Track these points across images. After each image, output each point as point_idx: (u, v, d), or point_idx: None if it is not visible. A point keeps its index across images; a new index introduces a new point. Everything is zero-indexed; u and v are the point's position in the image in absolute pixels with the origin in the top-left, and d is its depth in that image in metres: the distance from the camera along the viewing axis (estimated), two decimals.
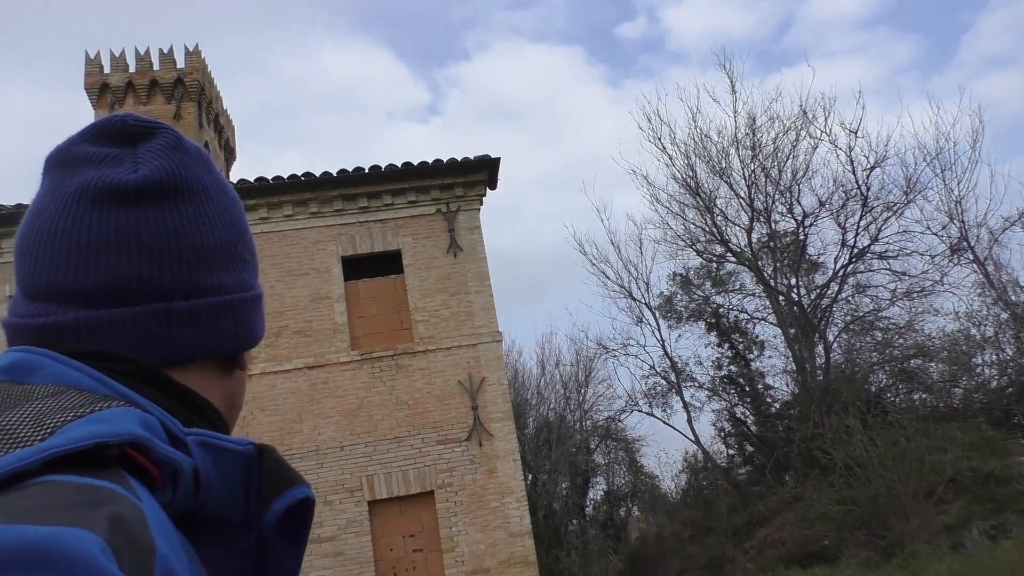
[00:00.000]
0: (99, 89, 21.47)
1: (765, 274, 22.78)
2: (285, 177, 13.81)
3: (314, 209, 13.91)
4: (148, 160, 0.74)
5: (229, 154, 26.33)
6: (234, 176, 26.13)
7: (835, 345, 22.34)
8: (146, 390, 0.66)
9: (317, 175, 13.85)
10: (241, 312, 0.78)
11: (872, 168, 21.30)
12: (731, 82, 23.16)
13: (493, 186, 14.63)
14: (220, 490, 0.65)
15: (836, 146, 22.60)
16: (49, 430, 0.55)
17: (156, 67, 22.14)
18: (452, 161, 14.09)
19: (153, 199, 0.72)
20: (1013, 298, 19.38)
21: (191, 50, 22.52)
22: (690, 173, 23.20)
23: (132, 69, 21.91)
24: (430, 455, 12.87)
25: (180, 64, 22.28)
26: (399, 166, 13.98)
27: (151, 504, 0.55)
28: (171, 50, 22.35)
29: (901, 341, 21.77)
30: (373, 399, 13.05)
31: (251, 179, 13.88)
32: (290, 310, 13.42)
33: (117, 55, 22.00)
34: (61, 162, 0.74)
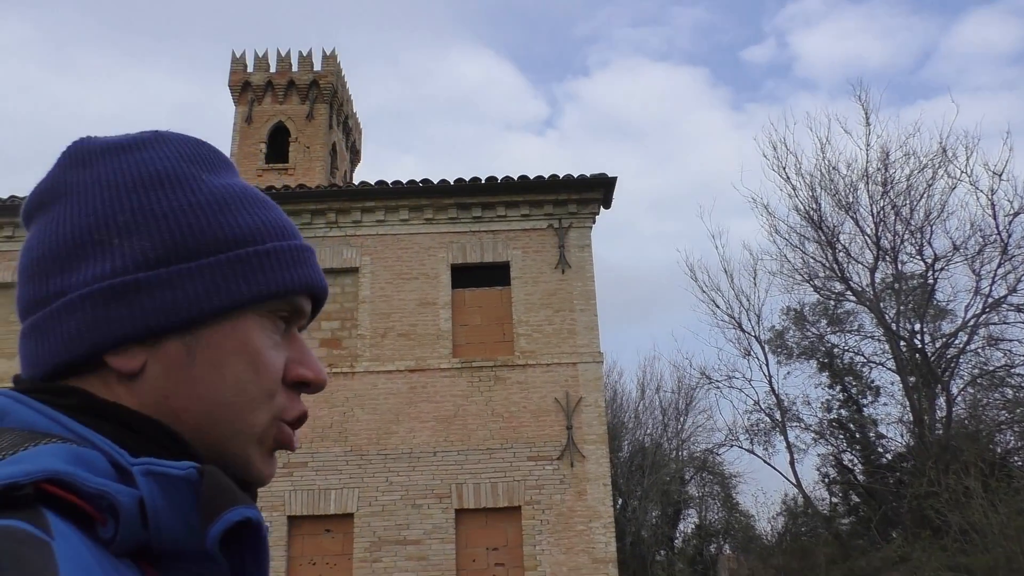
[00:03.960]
0: (241, 87, 22.71)
1: (887, 317, 21.63)
2: (404, 182, 14.14)
3: (429, 215, 14.18)
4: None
5: (355, 156, 27.28)
6: (356, 178, 27.07)
7: (959, 399, 20.97)
8: (96, 423, 0.64)
9: (435, 182, 14.11)
10: (77, 312, 0.69)
11: (1016, 214, 19.94)
12: (866, 113, 22.19)
13: (607, 205, 14.51)
14: (171, 520, 0.61)
15: (977, 188, 21.25)
16: None
17: (295, 68, 23.24)
18: (568, 177, 14.06)
19: (29, 221, 0.76)
20: None
21: (328, 54, 23.50)
22: (814, 206, 22.36)
23: (273, 69, 23.06)
24: (520, 470, 12.83)
25: (317, 67, 23.29)
26: (515, 179, 14.07)
27: (68, 539, 0.53)
28: (310, 53, 23.40)
29: None
30: (469, 408, 13.13)
31: (371, 182, 14.31)
32: (397, 312, 13.70)
33: (260, 55, 23.21)
34: None
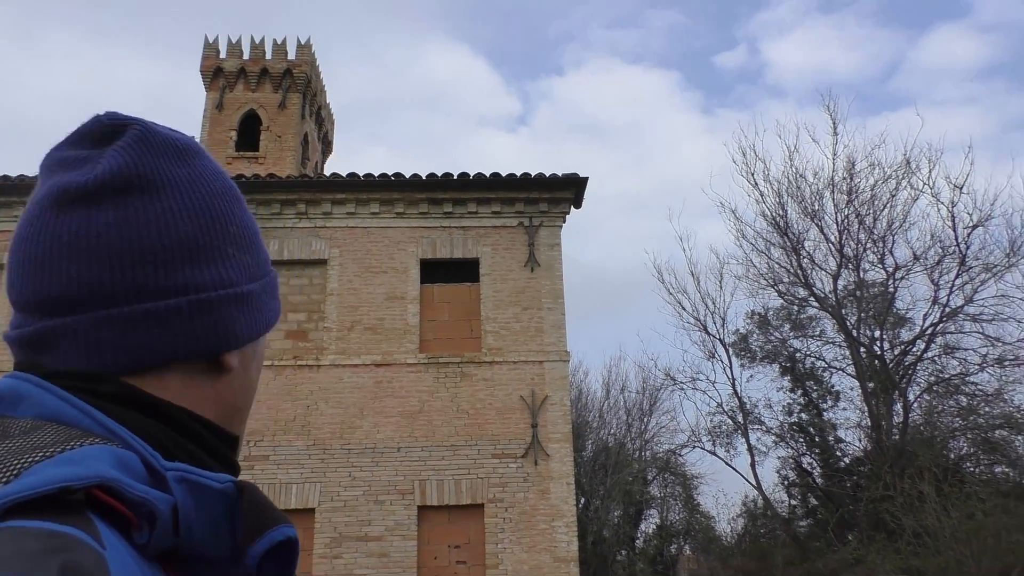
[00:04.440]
0: (213, 72, 22.37)
1: (848, 323, 21.97)
2: (376, 175, 14.06)
3: (400, 209, 14.11)
4: (107, 159, 0.71)
5: (327, 147, 27.03)
6: (327, 169, 26.84)
7: (915, 405, 21.36)
8: (129, 416, 0.65)
9: (407, 176, 14.04)
10: (214, 312, 0.73)
11: (975, 226, 20.34)
12: (833, 123, 22.56)
13: (578, 205, 14.56)
14: (202, 527, 0.63)
15: (938, 200, 21.58)
16: (15, 472, 0.55)
17: (268, 56, 22.95)
18: (540, 176, 14.08)
19: (104, 198, 0.69)
20: None
21: (303, 43, 23.25)
22: (780, 212, 22.63)
23: (246, 56, 22.75)
24: (484, 467, 12.83)
25: (291, 55, 23.03)
26: (487, 176, 14.05)
27: (117, 549, 0.55)
28: (284, 41, 23.13)
29: (987, 409, 20.63)
30: (434, 404, 13.10)
31: (343, 173, 14.20)
32: (365, 305, 13.61)
33: (234, 41, 22.87)
34: (45, 168, 0.74)
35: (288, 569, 0.67)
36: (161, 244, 0.70)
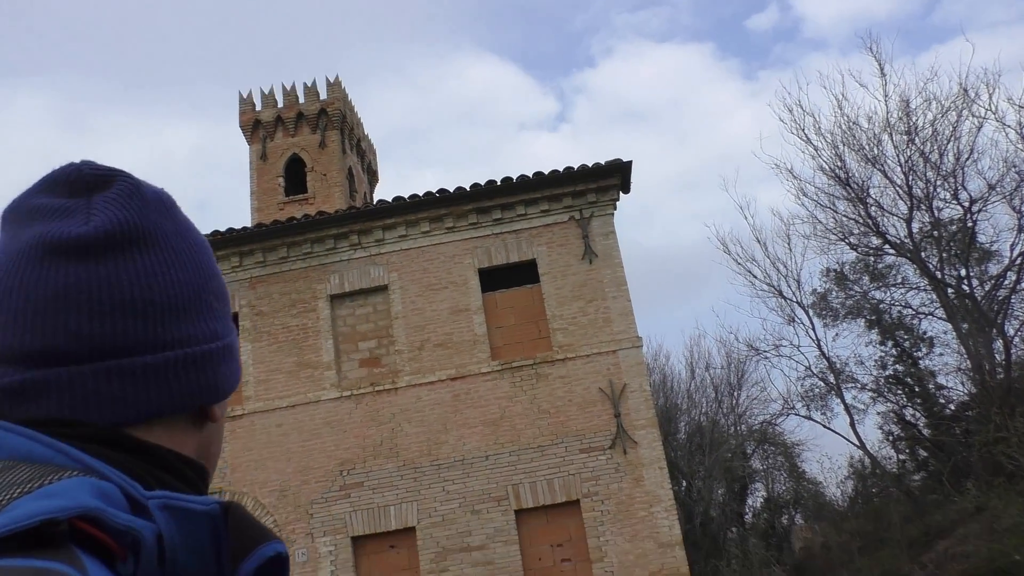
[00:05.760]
0: (252, 126, 23.02)
1: (930, 266, 21.09)
2: (421, 195, 14.20)
3: (450, 224, 14.21)
4: (102, 211, 0.69)
5: (372, 177, 27.49)
6: (376, 198, 27.29)
7: (1016, 339, 20.34)
8: (103, 451, 0.64)
9: (451, 191, 14.14)
10: (206, 365, 0.74)
11: None
12: (879, 64, 21.66)
13: (626, 190, 14.40)
14: (187, 553, 0.63)
15: (1004, 124, 20.53)
16: None
17: (301, 100, 23.49)
18: (583, 168, 13.99)
19: (105, 251, 0.68)
20: None
21: (331, 81, 23.73)
22: (839, 163, 21.90)
23: (280, 104, 23.35)
24: (574, 464, 12.76)
25: (323, 95, 23.52)
26: (531, 176, 14.03)
27: None
28: (314, 83, 23.66)
29: None
30: (515, 408, 13.11)
31: (389, 199, 14.39)
32: (431, 323, 13.74)
33: (266, 92, 23.51)
34: (16, 216, 0.71)
35: None
36: (156, 297, 0.70)
